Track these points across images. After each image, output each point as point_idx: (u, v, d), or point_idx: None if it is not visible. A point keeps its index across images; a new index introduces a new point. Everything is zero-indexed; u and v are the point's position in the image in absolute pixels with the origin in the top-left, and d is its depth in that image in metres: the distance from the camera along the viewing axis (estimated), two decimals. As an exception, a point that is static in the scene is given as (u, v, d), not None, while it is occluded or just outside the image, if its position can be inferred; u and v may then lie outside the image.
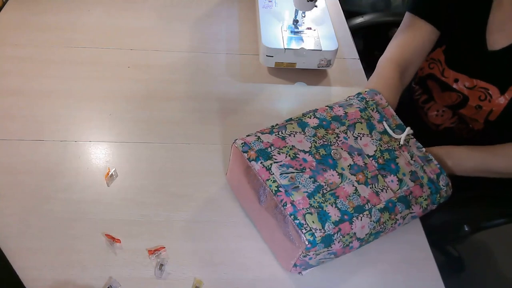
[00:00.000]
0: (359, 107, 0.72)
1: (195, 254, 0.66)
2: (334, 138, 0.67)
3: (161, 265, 0.64)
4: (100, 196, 0.72)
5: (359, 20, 1.26)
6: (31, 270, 0.63)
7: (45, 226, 0.68)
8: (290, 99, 0.95)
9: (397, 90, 0.79)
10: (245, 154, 0.63)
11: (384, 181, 0.64)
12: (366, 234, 0.60)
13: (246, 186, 0.66)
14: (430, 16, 0.81)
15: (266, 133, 0.66)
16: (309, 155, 0.64)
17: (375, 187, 0.63)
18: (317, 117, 0.69)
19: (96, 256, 0.65)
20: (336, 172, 0.63)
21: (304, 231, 0.56)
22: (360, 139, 0.68)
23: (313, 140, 0.66)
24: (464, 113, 0.82)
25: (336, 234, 0.57)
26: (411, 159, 0.68)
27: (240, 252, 0.67)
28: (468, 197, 0.91)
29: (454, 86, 0.81)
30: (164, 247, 0.66)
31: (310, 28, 0.98)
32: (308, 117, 0.70)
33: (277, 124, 0.69)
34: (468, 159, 0.72)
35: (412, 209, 0.64)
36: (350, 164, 0.64)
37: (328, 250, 0.58)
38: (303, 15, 0.96)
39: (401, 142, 0.68)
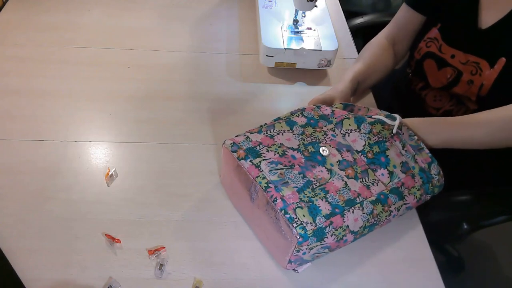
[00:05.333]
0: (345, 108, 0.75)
1: (195, 254, 0.66)
2: (322, 135, 0.68)
3: (161, 265, 0.64)
4: (100, 196, 0.72)
5: (359, 20, 1.26)
6: (31, 270, 0.62)
7: (45, 226, 0.68)
8: (290, 99, 0.95)
9: (387, 50, 0.93)
10: (235, 154, 0.64)
11: (374, 174, 0.65)
12: (360, 227, 0.60)
13: (237, 185, 0.66)
14: (416, 5, 0.90)
15: (255, 132, 0.67)
16: (297, 152, 0.64)
17: (366, 181, 0.63)
18: (305, 116, 0.71)
19: (96, 256, 0.65)
20: (325, 168, 0.63)
21: (295, 225, 0.56)
22: (348, 135, 0.69)
23: (301, 138, 0.67)
24: (457, 91, 0.84)
25: (328, 227, 0.57)
26: (403, 149, 0.68)
27: (240, 252, 0.67)
28: (468, 195, 0.91)
29: (450, 61, 0.84)
30: (164, 247, 0.66)
31: (310, 28, 0.98)
32: (296, 115, 0.71)
33: (265, 124, 0.70)
34: (433, 135, 0.71)
35: (406, 200, 0.65)
36: (339, 160, 0.65)
37: (321, 244, 0.58)
38: (303, 15, 0.96)
39: (394, 131, 0.69)
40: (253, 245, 0.68)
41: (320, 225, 0.57)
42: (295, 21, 0.97)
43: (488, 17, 0.78)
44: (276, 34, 0.96)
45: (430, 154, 0.68)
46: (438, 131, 0.71)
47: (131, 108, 0.88)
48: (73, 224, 0.68)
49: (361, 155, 0.67)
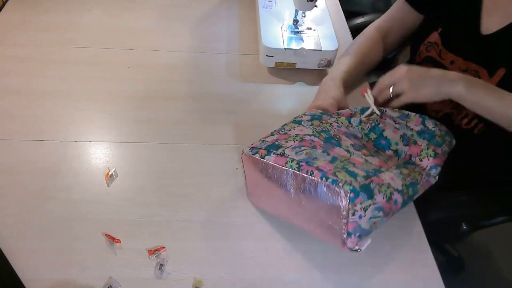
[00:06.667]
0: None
1: (195, 254, 0.66)
2: (329, 126, 0.71)
3: (161, 265, 0.64)
4: (100, 196, 0.72)
5: (359, 20, 1.26)
6: (31, 270, 0.63)
7: (45, 226, 0.68)
8: (290, 99, 0.95)
9: (378, 43, 0.92)
10: (256, 155, 0.65)
11: (386, 153, 0.68)
12: (402, 185, 0.60)
13: (269, 187, 0.66)
14: (416, 4, 0.88)
15: (268, 136, 0.70)
16: (314, 136, 0.66)
17: (382, 157, 0.65)
18: (308, 115, 0.73)
19: (96, 256, 0.65)
20: (343, 149, 0.64)
21: (340, 184, 0.55)
22: (348, 127, 0.72)
23: (313, 127, 0.69)
24: None
25: (371, 184, 0.57)
26: (395, 123, 0.69)
27: (240, 252, 0.67)
28: (467, 195, 0.91)
29: (450, 68, 0.82)
30: (164, 247, 0.66)
31: (310, 28, 0.98)
32: (299, 117, 0.74)
33: (275, 130, 0.72)
34: (483, 87, 0.68)
35: (422, 163, 0.66)
36: (352, 143, 0.66)
37: (373, 203, 0.56)
38: (303, 15, 0.96)
39: (377, 112, 0.71)
40: (253, 245, 0.68)
41: (363, 182, 0.56)
42: (295, 21, 0.97)
43: (491, 23, 0.76)
44: (276, 34, 0.96)
45: (418, 114, 0.69)
46: (488, 86, 0.68)
47: (131, 108, 0.88)
48: (73, 224, 0.68)
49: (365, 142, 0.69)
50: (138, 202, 0.72)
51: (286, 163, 0.61)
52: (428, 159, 0.66)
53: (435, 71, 0.69)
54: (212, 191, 0.75)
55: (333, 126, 0.71)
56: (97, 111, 0.86)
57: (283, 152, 0.63)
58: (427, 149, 0.66)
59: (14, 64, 0.95)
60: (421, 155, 0.66)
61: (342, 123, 0.73)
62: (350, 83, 0.88)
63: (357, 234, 0.58)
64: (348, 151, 0.64)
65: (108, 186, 0.74)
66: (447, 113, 0.87)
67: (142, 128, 0.84)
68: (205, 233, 0.69)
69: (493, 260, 1.41)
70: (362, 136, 0.70)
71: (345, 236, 0.58)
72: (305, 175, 0.59)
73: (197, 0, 1.19)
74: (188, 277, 0.64)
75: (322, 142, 0.65)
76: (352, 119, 0.72)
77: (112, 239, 0.66)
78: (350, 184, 0.55)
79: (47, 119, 0.84)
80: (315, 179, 0.58)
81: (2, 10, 1.09)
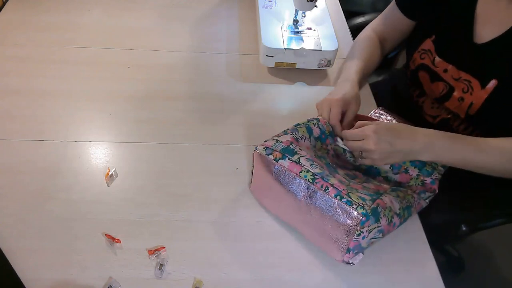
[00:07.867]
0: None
1: (195, 254, 0.66)
2: (326, 153, 0.72)
3: (161, 265, 0.64)
4: (100, 196, 0.72)
5: (359, 20, 1.26)
6: (31, 270, 0.63)
7: (45, 226, 0.68)
8: (290, 99, 0.95)
9: (377, 46, 0.93)
10: (271, 156, 0.65)
11: (376, 179, 0.70)
12: (399, 209, 0.63)
13: (278, 188, 0.66)
14: (407, 11, 0.88)
15: (282, 135, 0.70)
16: (317, 159, 0.67)
17: (374, 182, 0.68)
18: (319, 128, 0.73)
19: (96, 256, 0.65)
20: (340, 175, 0.66)
21: (354, 206, 0.58)
22: (339, 157, 0.74)
23: (314, 150, 0.70)
24: (448, 106, 0.83)
25: (378, 207, 0.59)
26: None
27: (240, 252, 0.67)
28: (466, 197, 0.91)
29: (443, 76, 0.82)
30: (164, 247, 0.66)
31: (310, 28, 0.98)
32: (313, 123, 0.73)
33: (288, 128, 0.72)
34: (449, 152, 0.69)
35: (411, 188, 0.69)
36: (345, 173, 0.69)
37: (377, 226, 0.60)
38: (303, 15, 0.96)
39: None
40: (253, 245, 0.68)
41: (373, 206, 0.59)
42: (295, 21, 0.97)
43: (484, 32, 0.75)
44: (276, 34, 0.96)
45: None
46: (455, 149, 0.69)
47: (131, 108, 0.88)
48: (73, 224, 0.68)
49: (356, 171, 0.72)
50: (138, 202, 0.72)
51: (301, 172, 0.62)
52: (416, 187, 0.70)
53: (403, 142, 0.67)
54: (212, 191, 0.75)
55: (329, 153, 0.73)
56: (97, 111, 0.86)
57: (298, 160, 0.64)
58: (417, 178, 0.70)
59: (14, 64, 0.95)
60: (409, 182, 0.70)
61: (336, 151, 0.74)
62: (361, 85, 0.88)
63: (355, 251, 0.62)
64: (345, 178, 0.66)
65: (108, 186, 0.74)
66: (444, 118, 0.87)
67: (142, 128, 0.84)
68: (205, 233, 0.69)
69: (493, 260, 1.41)
70: (353, 167, 0.73)
71: (344, 251, 0.62)
72: (319, 189, 0.61)
73: (197, 0, 1.19)
74: (188, 277, 0.64)
75: (324, 166, 0.66)
76: (347, 149, 0.74)
77: (112, 239, 0.66)
78: (363, 208, 0.58)
79: (47, 119, 0.84)
80: (329, 195, 0.60)
81: (2, 10, 1.09)
